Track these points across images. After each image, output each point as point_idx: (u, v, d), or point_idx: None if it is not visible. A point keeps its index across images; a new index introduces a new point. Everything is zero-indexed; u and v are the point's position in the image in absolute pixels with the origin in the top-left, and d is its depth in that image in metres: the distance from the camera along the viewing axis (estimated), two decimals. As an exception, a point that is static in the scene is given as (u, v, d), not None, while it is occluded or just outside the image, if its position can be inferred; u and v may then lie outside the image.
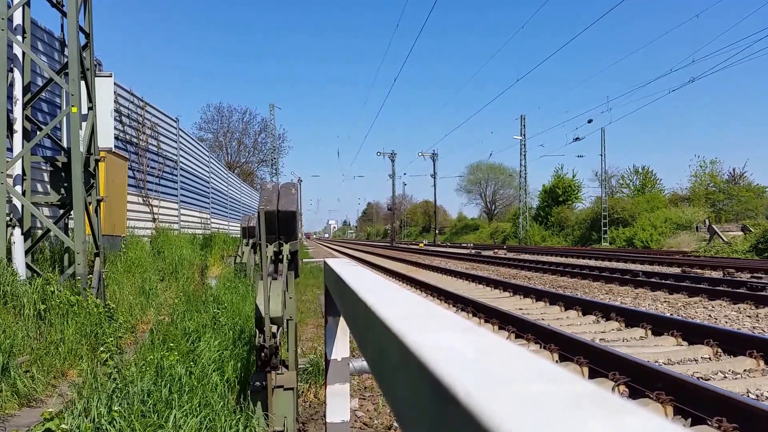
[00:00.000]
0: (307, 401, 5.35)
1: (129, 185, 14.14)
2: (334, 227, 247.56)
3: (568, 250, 37.38)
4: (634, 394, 5.31)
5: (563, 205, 64.51)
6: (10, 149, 7.84)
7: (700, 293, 11.58)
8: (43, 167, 8.97)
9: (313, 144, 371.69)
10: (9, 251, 7.52)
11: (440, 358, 0.55)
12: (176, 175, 19.12)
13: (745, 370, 6.13)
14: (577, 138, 50.15)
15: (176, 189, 19.09)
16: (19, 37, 7.87)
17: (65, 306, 6.74)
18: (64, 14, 8.20)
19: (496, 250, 39.76)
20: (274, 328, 3.96)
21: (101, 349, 5.95)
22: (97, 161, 8.59)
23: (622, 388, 5.50)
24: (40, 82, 9.16)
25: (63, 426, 3.47)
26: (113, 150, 10.69)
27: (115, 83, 10.35)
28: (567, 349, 6.85)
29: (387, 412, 4.99)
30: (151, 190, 16.17)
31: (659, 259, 23.76)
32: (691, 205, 47.07)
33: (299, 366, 5.17)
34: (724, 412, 4.29)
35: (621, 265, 21.75)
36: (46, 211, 8.96)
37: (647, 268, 19.93)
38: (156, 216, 16.58)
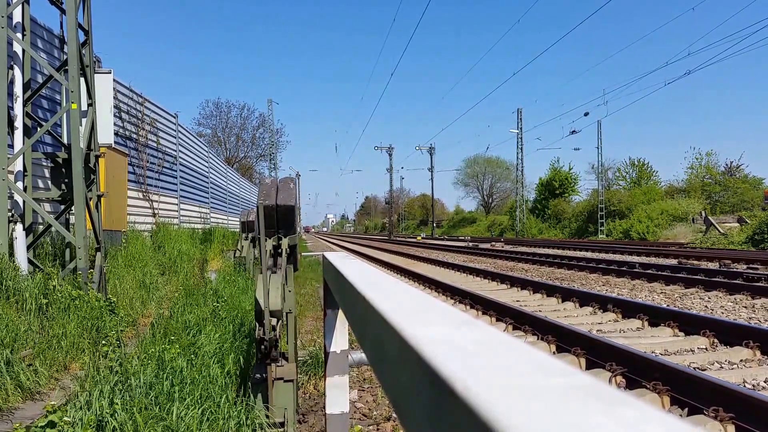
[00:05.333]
0: (307, 393, 5.40)
1: (129, 181, 14.16)
2: (333, 221, 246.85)
3: (564, 243, 37.40)
4: (631, 385, 5.36)
5: (560, 197, 64.58)
6: (11, 146, 7.88)
7: (697, 284, 11.62)
8: (44, 163, 8.99)
9: (311, 139, 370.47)
10: (11, 246, 7.56)
11: (438, 351, 0.56)
12: (176, 171, 19.12)
13: (741, 360, 6.18)
14: (573, 131, 50.19)
15: (176, 184, 19.09)
16: (19, 35, 7.88)
17: (67, 300, 6.78)
18: (63, 12, 8.21)
19: (493, 243, 39.80)
20: (274, 320, 4.00)
21: (103, 342, 5.98)
22: (97, 157, 8.62)
23: (619, 378, 5.54)
24: (40, 79, 9.18)
25: (66, 419, 3.50)
26: (113, 146, 10.72)
27: (114, 80, 10.35)
28: (564, 340, 6.89)
29: (386, 404, 5.04)
30: (150, 185, 16.18)
31: (656, 250, 23.80)
32: (688, 197, 47.06)
33: (299, 358, 5.22)
34: (720, 402, 4.33)
35: (618, 257, 21.81)
36: (47, 206, 8.98)
37: (644, 259, 19.99)
38: (156, 211, 16.59)
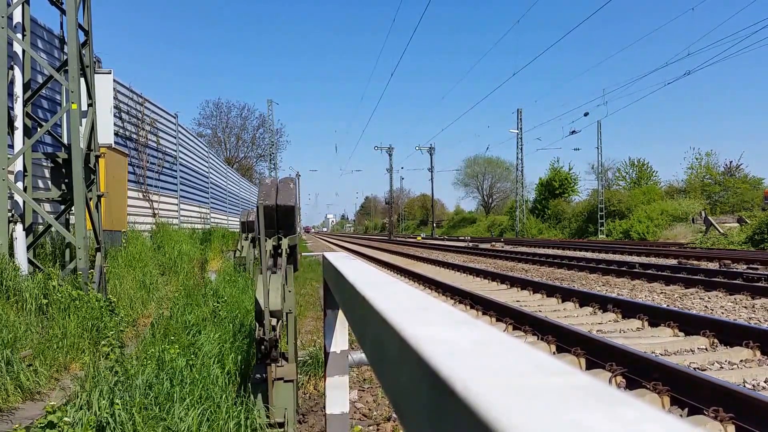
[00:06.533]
0: (307, 393, 5.40)
1: (129, 181, 14.17)
2: (333, 221, 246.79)
3: (564, 243, 37.40)
4: (631, 385, 5.36)
5: (560, 198, 64.57)
6: (11, 146, 7.88)
7: (697, 284, 11.62)
8: (44, 163, 9.00)
9: (311, 139, 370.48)
10: (11, 247, 7.57)
11: (438, 351, 0.56)
12: (176, 171, 19.13)
13: (741, 361, 6.17)
14: (573, 131, 50.18)
15: (176, 184, 19.10)
16: (19, 35, 7.89)
17: (67, 300, 6.78)
18: (63, 12, 8.22)
19: (493, 243, 39.77)
20: (274, 321, 4.00)
21: (103, 342, 5.98)
22: (97, 157, 8.62)
23: (619, 378, 5.54)
24: (40, 79, 9.18)
25: (66, 419, 3.50)
26: (113, 146, 10.72)
27: (114, 80, 10.36)
28: (564, 340, 6.89)
29: (386, 404, 5.04)
30: (150, 185, 16.18)
31: (655, 250, 23.80)
32: (687, 197, 47.05)
33: (299, 358, 5.22)
34: (720, 402, 4.32)
35: (617, 257, 21.80)
36: (47, 206, 8.99)
37: (644, 259, 19.98)
38: (156, 211, 16.59)
